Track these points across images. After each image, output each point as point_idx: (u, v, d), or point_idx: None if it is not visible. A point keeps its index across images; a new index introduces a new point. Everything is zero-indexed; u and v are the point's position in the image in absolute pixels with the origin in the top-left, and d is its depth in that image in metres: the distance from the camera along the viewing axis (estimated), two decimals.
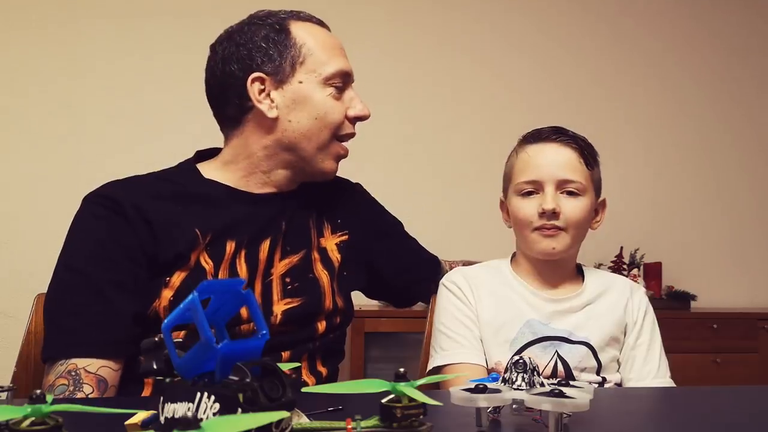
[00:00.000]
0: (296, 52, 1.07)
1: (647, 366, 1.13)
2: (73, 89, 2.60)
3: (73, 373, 0.94)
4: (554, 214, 1.10)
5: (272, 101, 1.06)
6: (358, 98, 1.12)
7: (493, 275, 1.19)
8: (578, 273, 1.21)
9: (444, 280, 1.21)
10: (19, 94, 2.56)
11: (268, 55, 1.06)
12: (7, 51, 2.56)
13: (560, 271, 1.17)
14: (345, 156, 1.13)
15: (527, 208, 1.12)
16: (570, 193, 1.11)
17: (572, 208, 1.11)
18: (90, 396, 0.92)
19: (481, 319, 1.14)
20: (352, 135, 1.13)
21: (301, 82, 1.07)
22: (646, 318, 1.16)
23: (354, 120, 1.12)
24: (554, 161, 1.12)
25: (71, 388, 0.92)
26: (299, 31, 1.09)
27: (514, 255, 1.23)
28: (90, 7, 2.64)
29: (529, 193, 1.12)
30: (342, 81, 1.09)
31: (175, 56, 2.65)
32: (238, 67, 1.06)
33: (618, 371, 1.14)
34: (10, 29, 2.57)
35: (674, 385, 1.14)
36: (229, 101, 1.08)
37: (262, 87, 1.06)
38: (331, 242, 1.15)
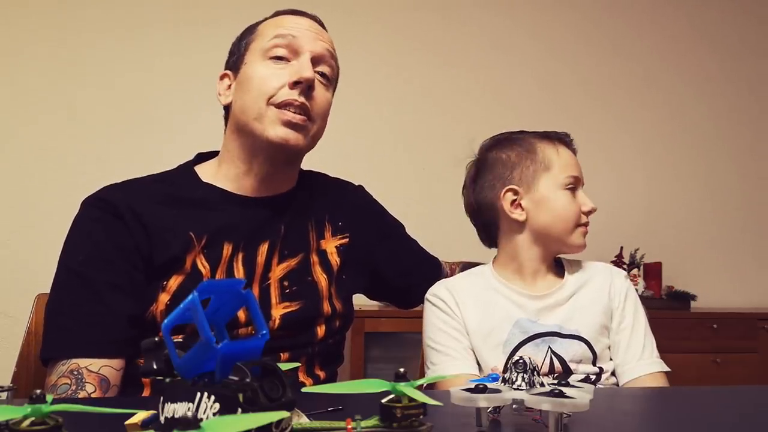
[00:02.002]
0: (249, 38, 1.11)
1: (631, 349, 1.13)
2: (74, 91, 2.60)
3: (75, 373, 0.94)
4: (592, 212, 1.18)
5: (230, 90, 1.10)
6: (306, 64, 1.04)
7: (476, 282, 1.19)
8: (557, 266, 1.21)
9: (427, 295, 1.19)
10: (21, 95, 2.57)
11: (232, 52, 1.13)
12: (9, 54, 2.57)
13: (546, 266, 1.18)
14: (295, 122, 1.03)
15: (575, 205, 1.15)
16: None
17: None
18: (92, 395, 0.92)
19: (468, 328, 1.13)
20: (290, 103, 1.03)
21: (246, 63, 1.08)
22: (627, 301, 1.16)
23: (294, 85, 1.03)
24: (578, 163, 1.19)
25: (74, 387, 0.92)
26: (264, 24, 1.12)
27: (495, 258, 1.23)
28: (94, 13, 2.64)
29: (572, 189, 1.16)
30: (287, 49, 1.06)
31: (178, 61, 2.65)
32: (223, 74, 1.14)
33: (611, 359, 1.15)
34: (12, 32, 2.57)
35: (663, 363, 1.14)
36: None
37: (229, 83, 1.11)
38: (331, 245, 1.14)
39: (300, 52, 1.06)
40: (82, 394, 0.92)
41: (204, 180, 1.11)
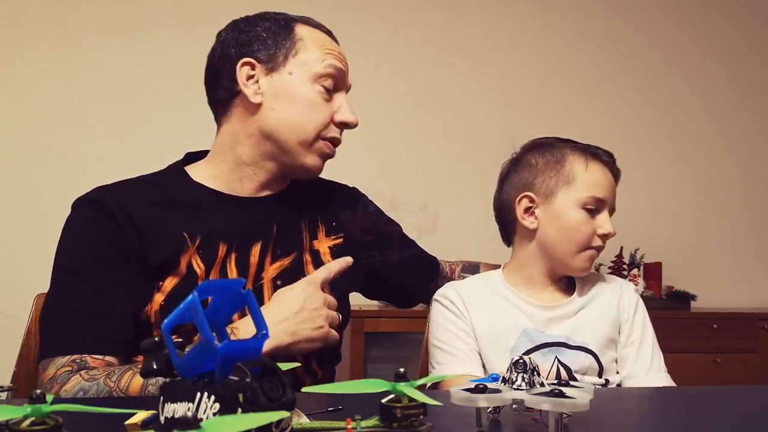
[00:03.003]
0: (292, 44, 1.07)
1: (639, 363, 1.13)
2: (73, 91, 2.60)
3: (77, 361, 0.93)
4: (608, 237, 1.14)
5: (259, 87, 1.06)
6: (348, 105, 1.10)
7: (485, 287, 1.19)
8: (567, 278, 1.21)
9: (436, 296, 1.20)
10: (20, 95, 2.56)
11: (266, 44, 1.07)
12: (8, 54, 2.57)
13: (553, 279, 1.18)
14: (331, 156, 1.11)
15: (590, 226, 1.13)
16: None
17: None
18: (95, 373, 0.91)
19: (476, 330, 1.13)
20: (337, 140, 1.10)
21: (290, 74, 1.06)
22: (637, 315, 1.16)
23: (340, 125, 1.09)
24: (611, 185, 1.15)
25: (75, 368, 0.91)
26: (302, 30, 1.10)
27: (506, 263, 1.23)
28: (92, 13, 2.64)
29: (591, 211, 1.13)
30: (334, 82, 1.08)
31: (175, 62, 2.65)
32: (236, 51, 1.07)
33: (618, 372, 1.15)
34: (11, 33, 2.57)
35: (670, 378, 1.14)
36: (220, 84, 1.09)
37: (252, 72, 1.06)
38: (324, 245, 1.14)
39: (340, 87, 1.10)
40: (82, 373, 0.91)
41: (195, 180, 1.10)
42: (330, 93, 1.08)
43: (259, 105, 1.06)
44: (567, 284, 1.19)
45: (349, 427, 0.53)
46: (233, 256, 1.05)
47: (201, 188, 1.09)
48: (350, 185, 1.29)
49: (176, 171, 1.12)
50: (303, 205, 1.15)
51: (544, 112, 2.94)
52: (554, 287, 1.17)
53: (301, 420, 0.56)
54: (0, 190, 2.51)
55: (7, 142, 2.54)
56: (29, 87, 2.57)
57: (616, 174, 1.16)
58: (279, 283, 1.06)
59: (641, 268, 2.80)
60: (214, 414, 0.44)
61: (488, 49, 2.99)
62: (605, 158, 1.16)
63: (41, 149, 2.55)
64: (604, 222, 1.13)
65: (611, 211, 1.15)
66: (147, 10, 2.69)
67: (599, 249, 1.14)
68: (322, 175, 1.26)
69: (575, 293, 1.17)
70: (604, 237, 1.13)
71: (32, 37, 2.59)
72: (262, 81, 1.06)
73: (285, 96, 1.06)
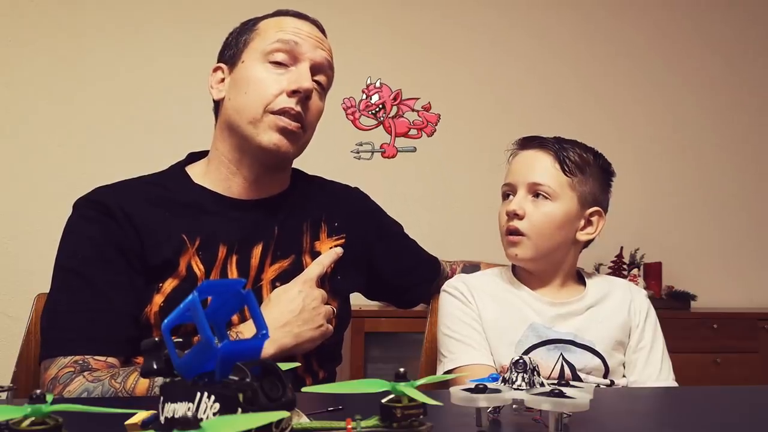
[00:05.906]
0: (249, 37, 1.09)
1: (648, 369, 1.13)
2: (74, 91, 2.60)
3: (80, 362, 0.92)
4: (516, 216, 1.12)
5: (224, 85, 1.09)
6: (303, 74, 1.04)
7: (494, 281, 1.20)
8: (579, 279, 1.21)
9: (445, 287, 1.21)
10: (20, 95, 2.57)
11: (230, 46, 1.12)
12: (8, 53, 2.57)
13: (560, 276, 1.17)
14: (289, 128, 1.03)
15: (502, 211, 1.16)
16: (539, 197, 1.13)
17: (536, 211, 1.12)
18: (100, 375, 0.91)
19: (484, 320, 1.14)
20: (287, 111, 1.03)
21: (243, 62, 1.07)
22: (648, 320, 1.16)
23: (293, 94, 1.03)
24: (527, 165, 1.15)
25: (78, 369, 0.91)
26: (264, 22, 1.11)
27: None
28: (93, 13, 2.64)
29: (507, 197, 1.16)
30: (288, 56, 1.05)
31: (176, 62, 2.65)
32: (216, 63, 1.13)
33: (624, 376, 1.14)
34: (11, 31, 2.57)
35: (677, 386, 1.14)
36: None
37: (222, 76, 1.10)
38: (326, 246, 1.13)
39: (300, 59, 1.06)
40: (86, 374, 0.90)
41: (196, 182, 1.10)
42: (285, 67, 1.05)
43: (221, 100, 1.09)
44: (577, 283, 1.19)
45: (349, 427, 0.53)
46: (234, 258, 1.04)
47: (202, 190, 1.09)
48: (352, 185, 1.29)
49: (178, 172, 1.12)
50: (305, 206, 1.15)
51: (543, 113, 2.94)
52: (563, 285, 1.17)
53: (301, 420, 0.56)
54: (0, 191, 2.51)
55: (7, 142, 2.54)
56: (29, 88, 2.57)
57: (545, 149, 1.16)
58: (277, 284, 1.06)
59: (641, 268, 2.79)
60: (214, 414, 0.44)
61: (487, 50, 2.98)
62: (527, 142, 1.19)
63: (41, 150, 2.55)
64: (508, 204, 1.16)
65: (533, 187, 1.14)
66: (148, 9, 2.69)
67: (510, 232, 1.15)
68: (325, 176, 1.27)
69: (586, 291, 1.16)
70: (509, 217, 1.15)
71: (32, 38, 2.59)
72: (226, 79, 1.09)
73: (238, 83, 1.06)
